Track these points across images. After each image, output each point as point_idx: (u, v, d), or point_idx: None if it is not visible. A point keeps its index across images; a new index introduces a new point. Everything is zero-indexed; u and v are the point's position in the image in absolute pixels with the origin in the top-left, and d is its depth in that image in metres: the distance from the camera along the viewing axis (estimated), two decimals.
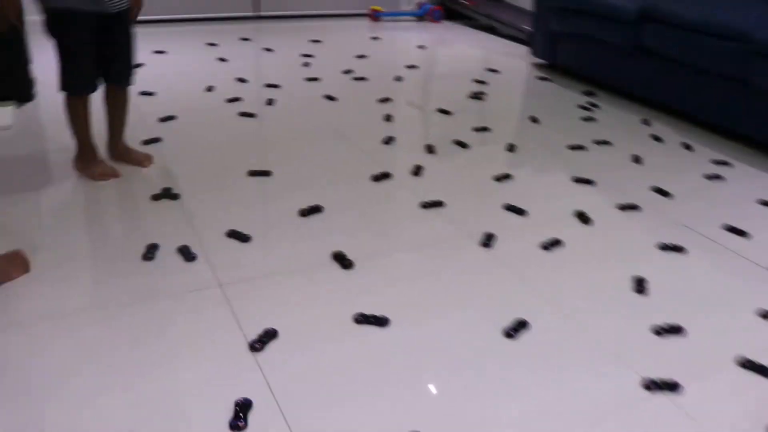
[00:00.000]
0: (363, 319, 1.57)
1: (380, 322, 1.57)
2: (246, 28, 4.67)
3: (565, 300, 1.71)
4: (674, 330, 1.61)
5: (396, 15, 5.42)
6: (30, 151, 2.47)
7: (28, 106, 2.77)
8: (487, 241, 1.97)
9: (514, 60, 4.29)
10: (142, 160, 2.36)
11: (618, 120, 3.22)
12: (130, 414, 1.24)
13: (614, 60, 3.53)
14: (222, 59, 3.79)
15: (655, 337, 1.59)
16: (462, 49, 4.63)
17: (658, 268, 1.90)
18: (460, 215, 2.13)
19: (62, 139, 2.37)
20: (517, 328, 1.58)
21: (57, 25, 2.02)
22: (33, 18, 2.06)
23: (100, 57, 2.13)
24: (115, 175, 2.24)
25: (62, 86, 2.13)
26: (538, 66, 4.12)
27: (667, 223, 2.19)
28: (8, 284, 1.61)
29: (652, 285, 1.79)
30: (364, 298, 1.65)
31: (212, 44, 4.12)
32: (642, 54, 3.35)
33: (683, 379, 1.42)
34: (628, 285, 1.80)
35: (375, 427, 1.25)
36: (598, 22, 3.52)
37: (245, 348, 1.44)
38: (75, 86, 2.14)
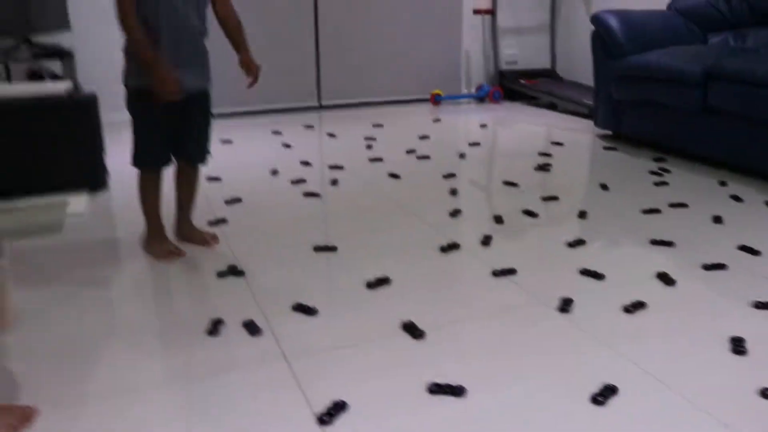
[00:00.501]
0: (437, 389, 1.47)
1: (456, 391, 1.47)
2: (310, 117, 4.78)
3: (655, 363, 1.57)
4: None
5: (456, 98, 5.48)
6: (101, 236, 2.51)
7: (101, 194, 2.84)
8: (565, 306, 1.86)
9: (577, 133, 4.24)
10: (208, 240, 2.36)
11: (692, 183, 3.09)
12: None
13: (682, 123, 3.43)
14: (286, 145, 3.86)
15: (765, 401, 1.43)
16: (524, 127, 4.61)
17: (755, 327, 1.75)
18: (534, 282, 2.03)
19: (132, 225, 2.41)
20: (606, 393, 1.45)
21: (135, 101, 2.11)
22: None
23: (175, 134, 2.19)
24: (179, 255, 2.25)
25: (134, 161, 2.19)
26: (603, 137, 4.05)
27: (760, 280, 2.03)
28: (82, 359, 1.59)
29: (751, 345, 1.64)
30: (438, 368, 1.55)
31: (277, 132, 4.21)
32: (711, 114, 3.25)
33: None
34: (723, 346, 1.65)
35: None
36: (662, 87, 3.45)
37: (313, 421, 1.36)
38: (146, 161, 2.19)
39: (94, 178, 3.11)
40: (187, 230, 2.38)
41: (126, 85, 2.12)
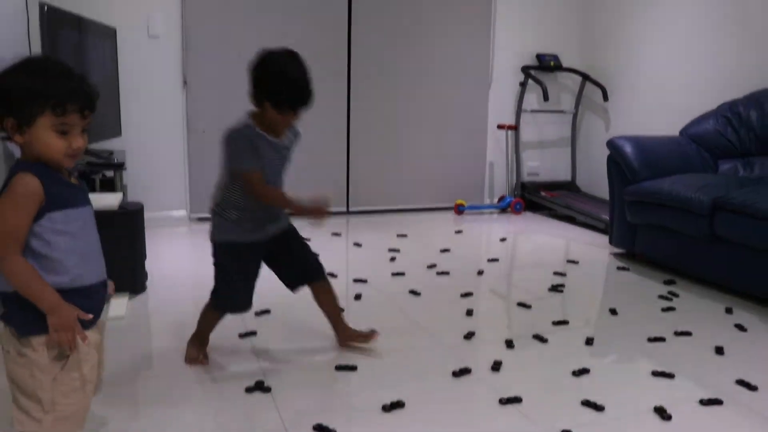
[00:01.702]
0: None
1: None
2: (337, 223, 5.02)
3: None
4: None
5: (479, 208, 5.71)
6: (139, 341, 2.72)
7: (140, 298, 3.08)
8: None
9: (593, 249, 4.42)
10: (368, 337, 2.65)
11: (699, 309, 3.23)
12: None
13: (692, 249, 3.60)
14: None
15: None
16: (542, 240, 4.81)
17: None
18: (537, 411, 2.18)
19: (166, 330, 2.61)
20: None
21: (222, 254, 2.39)
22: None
23: (289, 269, 2.51)
24: (202, 362, 2.49)
25: (215, 305, 2.45)
26: (617, 255, 4.23)
27: (755, 418, 2.16)
28: None
29: None
30: None
31: (306, 239, 4.44)
32: (718, 242, 3.42)
33: None
34: None
35: None
36: (672, 214, 3.64)
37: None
38: (227, 307, 2.47)
39: (135, 283, 3.36)
40: (348, 333, 2.66)
41: (214, 240, 2.38)
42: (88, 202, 1.62)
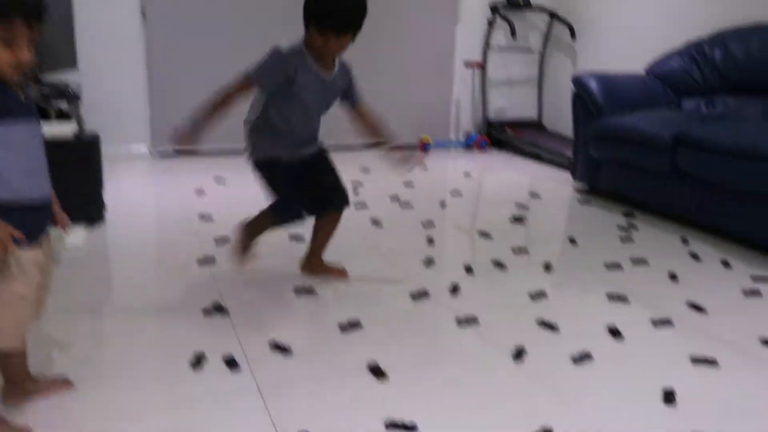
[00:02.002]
0: (392, 425, 1.64)
1: (409, 428, 1.64)
2: None
3: (590, 409, 1.75)
4: None
5: (444, 145, 5.70)
6: (98, 270, 2.68)
7: (99, 229, 3.03)
8: (518, 354, 2.04)
9: (556, 185, 4.44)
10: (340, 274, 2.62)
11: (656, 239, 3.29)
12: None
13: (652, 183, 3.64)
14: None
15: None
16: (507, 176, 4.83)
17: (688, 380, 1.92)
18: (493, 330, 2.21)
19: (126, 260, 2.58)
20: None
21: (262, 170, 2.36)
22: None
23: (315, 192, 2.45)
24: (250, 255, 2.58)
25: (273, 215, 2.44)
26: (580, 190, 4.26)
27: (701, 337, 2.22)
28: (60, 398, 1.75)
29: (681, 397, 1.82)
30: (396, 406, 1.72)
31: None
32: (678, 177, 3.46)
33: None
34: (656, 396, 1.82)
35: None
36: (635, 149, 3.67)
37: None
38: (284, 216, 2.44)
39: (92, 213, 3.31)
40: (320, 264, 2.63)
41: (255, 159, 2.36)
42: (35, 117, 1.56)
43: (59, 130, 3.05)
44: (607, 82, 4.13)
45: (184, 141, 2.22)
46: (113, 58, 4.68)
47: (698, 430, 1.66)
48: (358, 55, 5.54)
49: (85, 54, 4.40)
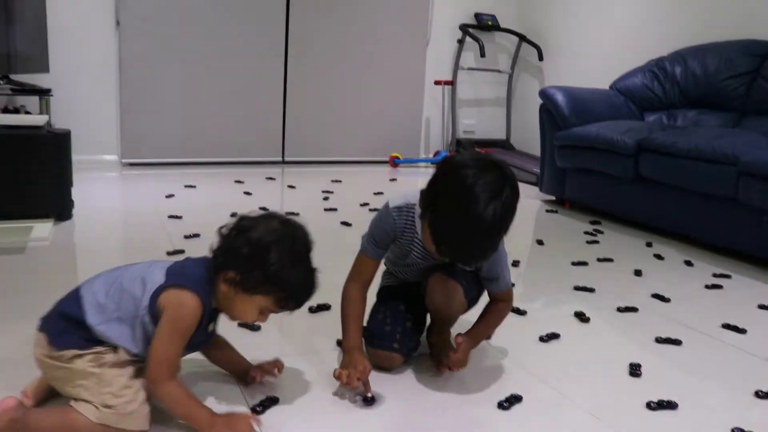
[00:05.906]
0: (366, 401, 1.64)
1: (370, 401, 1.63)
2: (272, 171, 4.98)
3: (559, 380, 1.77)
4: (667, 405, 1.66)
5: (414, 162, 5.75)
6: (61, 261, 2.65)
7: (66, 225, 3.00)
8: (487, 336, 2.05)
9: (523, 198, 4.43)
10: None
11: (621, 242, 3.35)
12: None
13: (617, 190, 3.72)
14: (247, 193, 4.05)
15: (649, 412, 1.63)
16: None
17: (653, 356, 1.96)
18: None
19: (91, 254, 2.55)
20: (511, 401, 1.64)
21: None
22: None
23: None
24: None
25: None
26: (547, 201, 4.33)
27: (665, 322, 2.26)
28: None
29: (646, 370, 1.85)
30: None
31: (239, 181, 4.41)
32: (642, 183, 3.54)
33: None
34: (622, 369, 1.85)
35: None
36: (600, 156, 3.75)
37: (247, 412, 1.52)
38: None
39: (60, 208, 3.27)
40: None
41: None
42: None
43: (31, 120, 3.03)
44: (573, 95, 4.23)
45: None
46: (86, 66, 4.66)
47: (663, 397, 1.69)
48: (330, 72, 5.65)
49: (57, 61, 4.38)
